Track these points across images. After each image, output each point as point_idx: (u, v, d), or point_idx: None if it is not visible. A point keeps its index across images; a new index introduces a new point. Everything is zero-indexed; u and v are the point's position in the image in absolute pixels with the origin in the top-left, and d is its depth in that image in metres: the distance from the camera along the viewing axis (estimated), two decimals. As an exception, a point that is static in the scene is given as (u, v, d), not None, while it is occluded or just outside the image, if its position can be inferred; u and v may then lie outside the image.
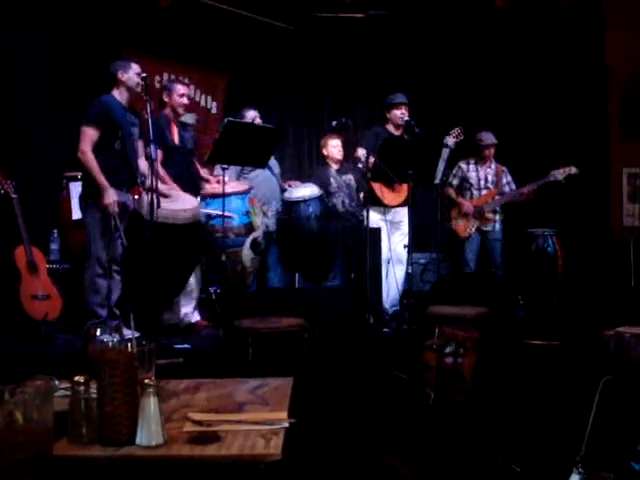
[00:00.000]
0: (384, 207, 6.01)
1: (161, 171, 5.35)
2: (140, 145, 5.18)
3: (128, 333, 1.98)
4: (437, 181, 5.52)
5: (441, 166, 5.42)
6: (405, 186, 5.82)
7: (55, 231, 5.84)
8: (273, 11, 7.49)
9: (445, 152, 5.41)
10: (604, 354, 3.36)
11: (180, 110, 5.44)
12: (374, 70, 8.00)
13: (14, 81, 5.81)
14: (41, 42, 6.02)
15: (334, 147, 6.30)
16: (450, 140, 5.94)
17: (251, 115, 6.00)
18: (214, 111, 7.68)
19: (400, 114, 6.06)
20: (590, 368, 3.52)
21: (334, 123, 6.10)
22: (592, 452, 1.89)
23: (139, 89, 4.99)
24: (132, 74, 4.96)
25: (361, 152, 5.83)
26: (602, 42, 7.06)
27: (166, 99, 5.43)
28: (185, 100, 5.42)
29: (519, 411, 3.58)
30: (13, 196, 5.13)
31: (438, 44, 7.77)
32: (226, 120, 4.91)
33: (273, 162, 6.20)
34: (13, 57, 5.78)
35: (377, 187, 5.94)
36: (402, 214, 6.05)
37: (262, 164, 5.45)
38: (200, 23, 7.15)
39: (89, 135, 4.80)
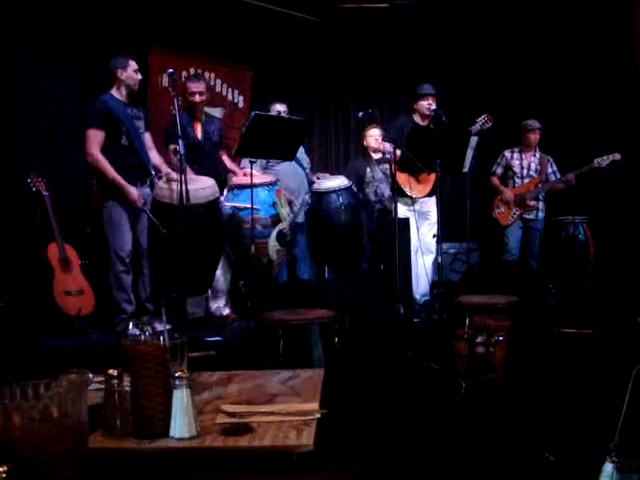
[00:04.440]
0: (411, 198, 6.00)
1: None
2: (147, 137, 5.19)
3: (159, 326, 2.00)
4: (466, 170, 5.49)
5: (469, 155, 5.39)
6: (432, 176, 5.80)
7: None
8: (298, 3, 7.49)
9: (473, 140, 5.38)
10: (637, 341, 3.33)
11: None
12: (400, 60, 7.97)
13: (44, 79, 5.87)
14: (69, 41, 6.08)
15: (371, 136, 6.44)
16: (476, 128, 5.90)
17: (277, 109, 6.02)
18: (241, 105, 7.69)
19: (427, 105, 6.03)
20: (623, 355, 3.49)
21: (360, 114, 6.10)
22: (626, 440, 1.87)
23: (136, 86, 5.05)
24: (130, 71, 5.00)
25: (387, 144, 5.86)
26: (632, 27, 6.95)
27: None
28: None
29: (551, 400, 3.55)
30: (45, 193, 5.19)
31: (464, 31, 7.71)
32: (253, 113, 4.88)
33: (302, 155, 6.19)
34: (42, 56, 5.84)
35: (403, 178, 5.91)
36: (430, 204, 6.03)
37: (290, 157, 5.42)
38: (225, 17, 7.17)
39: (94, 137, 4.87)
